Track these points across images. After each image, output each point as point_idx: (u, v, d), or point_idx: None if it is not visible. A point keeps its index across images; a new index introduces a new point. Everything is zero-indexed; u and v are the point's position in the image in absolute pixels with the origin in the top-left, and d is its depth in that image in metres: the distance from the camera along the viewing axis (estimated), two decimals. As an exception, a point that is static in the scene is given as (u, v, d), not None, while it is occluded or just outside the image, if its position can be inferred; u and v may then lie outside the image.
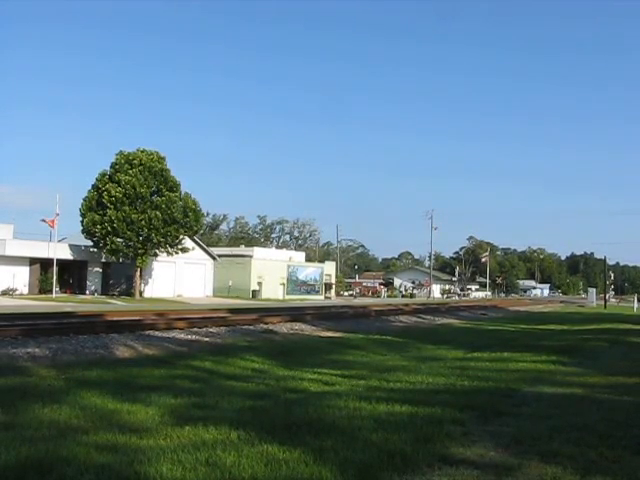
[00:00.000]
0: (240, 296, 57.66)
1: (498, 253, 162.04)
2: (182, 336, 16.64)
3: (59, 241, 46.87)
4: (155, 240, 46.57)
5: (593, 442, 5.61)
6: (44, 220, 44.71)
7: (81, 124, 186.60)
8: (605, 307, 61.26)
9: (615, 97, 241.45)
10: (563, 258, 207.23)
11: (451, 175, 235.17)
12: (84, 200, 46.97)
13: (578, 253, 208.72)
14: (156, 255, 49.50)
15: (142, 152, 47.70)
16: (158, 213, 45.79)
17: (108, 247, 45.98)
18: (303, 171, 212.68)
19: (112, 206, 45.12)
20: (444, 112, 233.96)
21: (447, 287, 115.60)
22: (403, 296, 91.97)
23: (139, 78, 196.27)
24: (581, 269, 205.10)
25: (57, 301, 38.31)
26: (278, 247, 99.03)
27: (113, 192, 45.14)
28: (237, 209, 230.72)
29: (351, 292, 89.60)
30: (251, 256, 65.02)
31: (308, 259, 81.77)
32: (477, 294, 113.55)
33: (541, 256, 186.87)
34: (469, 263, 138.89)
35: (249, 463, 4.75)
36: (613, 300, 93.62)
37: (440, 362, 12.62)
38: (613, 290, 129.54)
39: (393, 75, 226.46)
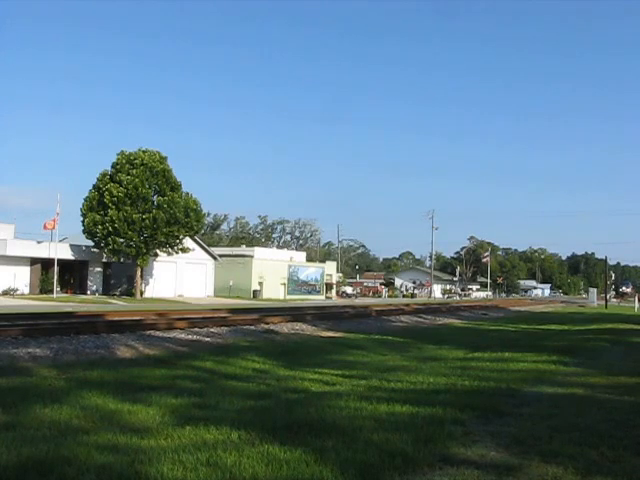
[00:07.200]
0: (241, 296, 57.69)
1: (499, 253, 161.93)
2: (183, 336, 16.64)
3: (60, 241, 46.88)
4: (158, 240, 46.64)
5: (594, 442, 5.60)
6: (45, 226, 44.63)
7: (81, 124, 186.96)
8: (606, 307, 61.22)
9: (616, 96, 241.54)
10: (564, 258, 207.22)
11: (451, 175, 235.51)
12: (85, 200, 47.01)
13: (579, 253, 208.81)
14: (157, 255, 49.55)
15: (144, 152, 47.71)
16: (162, 213, 45.85)
17: (109, 247, 46.01)
18: (304, 171, 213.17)
19: (113, 206, 45.14)
20: (444, 112, 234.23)
21: (448, 287, 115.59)
22: (404, 296, 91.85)
23: (139, 78, 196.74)
24: (582, 269, 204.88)
25: (58, 301, 38.33)
26: (279, 247, 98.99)
27: (114, 192, 45.16)
28: (238, 209, 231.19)
29: (352, 292, 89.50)
30: (252, 256, 65.01)
31: (309, 259, 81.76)
32: (478, 294, 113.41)
33: (542, 256, 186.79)
34: (470, 263, 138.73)
35: (250, 463, 4.75)
36: (614, 300, 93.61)
37: (441, 362, 12.60)
38: (614, 290, 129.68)
39: (393, 75, 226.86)
